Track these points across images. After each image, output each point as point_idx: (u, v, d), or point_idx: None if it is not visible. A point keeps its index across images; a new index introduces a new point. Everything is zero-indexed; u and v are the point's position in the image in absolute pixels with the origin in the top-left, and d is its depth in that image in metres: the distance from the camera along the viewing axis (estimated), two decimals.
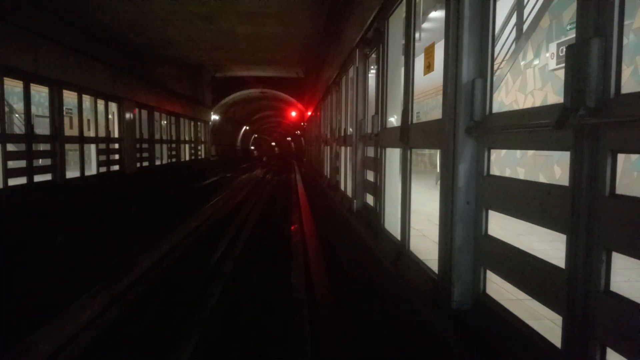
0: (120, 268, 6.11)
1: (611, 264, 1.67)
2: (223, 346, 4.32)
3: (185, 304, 5.27)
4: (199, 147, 24.05)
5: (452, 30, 2.71)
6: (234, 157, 39.77)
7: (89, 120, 12.81)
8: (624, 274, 3.47)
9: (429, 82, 10.92)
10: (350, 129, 7.39)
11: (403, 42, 4.46)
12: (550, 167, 7.36)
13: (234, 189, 17.44)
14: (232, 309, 5.25)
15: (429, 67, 3.83)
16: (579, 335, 1.76)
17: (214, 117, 27.34)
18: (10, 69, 8.57)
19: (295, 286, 5.80)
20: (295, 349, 4.12)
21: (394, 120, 5.07)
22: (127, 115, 14.22)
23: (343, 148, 8.62)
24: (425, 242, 4.52)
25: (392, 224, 4.66)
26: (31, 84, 9.27)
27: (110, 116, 13.69)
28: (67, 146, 10.70)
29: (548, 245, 4.08)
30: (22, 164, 9.00)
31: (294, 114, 31.93)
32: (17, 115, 13.48)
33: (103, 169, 12.66)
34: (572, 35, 6.41)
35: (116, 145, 13.60)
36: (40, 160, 10.88)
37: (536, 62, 7.89)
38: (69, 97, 11.47)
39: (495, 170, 7.43)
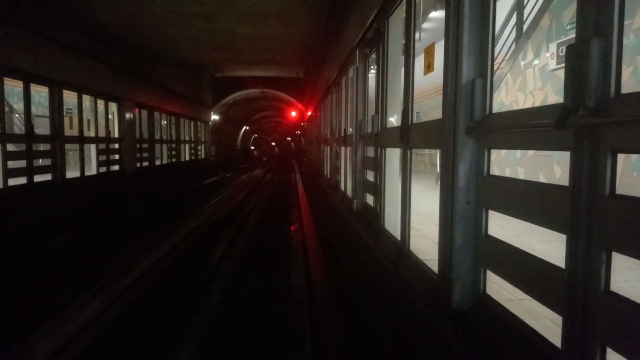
0: (120, 268, 6.10)
1: (611, 264, 1.67)
2: (223, 346, 4.32)
3: (185, 304, 5.27)
4: (199, 147, 24.05)
5: (452, 30, 2.71)
6: (234, 157, 39.77)
7: (89, 120, 12.81)
8: (624, 274, 3.47)
9: (429, 82, 10.92)
10: (350, 129, 7.39)
11: (403, 42, 4.46)
12: (550, 167, 7.36)
13: (234, 189, 17.44)
14: (232, 309, 5.25)
15: (429, 67, 3.83)
16: (579, 335, 1.76)
17: (214, 117, 27.34)
18: (10, 69, 8.57)
19: (295, 286, 5.80)
20: (295, 349, 4.12)
21: (394, 120, 5.07)
22: (127, 115, 14.22)
23: (343, 148, 8.62)
24: (425, 242, 4.52)
25: (392, 223, 4.66)
26: (31, 84, 9.27)
27: (110, 116, 13.69)
28: (67, 146, 10.70)
29: (548, 245, 4.08)
30: (22, 164, 9.00)
31: (294, 114, 31.93)
32: (17, 115, 13.48)
33: (103, 169, 12.66)
34: (572, 35, 6.41)
35: (116, 145, 13.60)
36: (40, 160, 10.88)
37: (536, 62, 7.89)
38: (69, 97, 11.47)
39: (495, 170, 7.44)
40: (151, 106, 16.42)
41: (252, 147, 59.20)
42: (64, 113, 10.67)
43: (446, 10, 2.82)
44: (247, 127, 47.14)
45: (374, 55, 5.94)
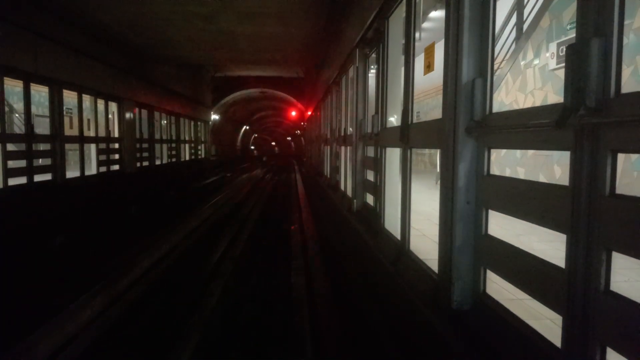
0: (120, 268, 6.11)
1: (611, 264, 1.67)
2: (223, 346, 4.32)
3: (185, 303, 5.27)
4: (199, 147, 24.06)
5: (452, 30, 2.71)
6: (234, 156, 39.77)
7: (89, 120, 12.81)
8: (624, 274, 3.47)
9: (429, 82, 10.91)
10: (350, 129, 7.39)
11: (403, 41, 4.46)
12: (550, 167, 7.36)
13: (234, 189, 17.44)
14: (232, 309, 5.25)
15: (429, 67, 3.83)
16: (579, 335, 1.76)
17: (214, 116, 27.35)
18: (10, 69, 8.57)
19: (295, 286, 5.80)
20: (295, 349, 4.12)
21: (394, 120, 5.07)
22: (127, 115, 14.23)
23: (343, 148, 8.62)
24: (425, 241, 4.52)
25: (392, 223, 4.66)
26: (31, 84, 9.27)
27: (110, 116, 13.69)
28: (67, 146, 10.70)
29: (548, 245, 4.08)
30: (22, 163, 8.99)
31: (294, 113, 31.94)
32: (17, 115, 13.47)
33: (103, 169, 12.66)
34: (572, 35, 6.41)
35: (116, 145, 13.60)
36: (40, 160, 10.88)
37: (536, 61, 7.88)
38: (69, 97, 11.47)
39: (495, 170, 7.43)
40: (151, 106, 16.42)
41: (252, 147, 59.20)
42: (64, 113, 10.67)
43: (446, 10, 2.83)
44: (247, 127, 47.14)
45: (374, 55, 5.94)
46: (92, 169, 12.19)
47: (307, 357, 3.97)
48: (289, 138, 62.67)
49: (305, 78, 21.37)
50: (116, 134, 13.72)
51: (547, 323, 2.58)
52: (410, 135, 3.82)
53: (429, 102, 13.78)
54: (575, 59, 1.73)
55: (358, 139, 6.67)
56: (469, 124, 2.60)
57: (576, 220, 1.77)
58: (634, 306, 1.55)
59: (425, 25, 8.95)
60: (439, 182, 5.25)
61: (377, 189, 5.13)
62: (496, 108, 2.60)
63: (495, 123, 2.49)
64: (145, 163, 15.91)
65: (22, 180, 8.92)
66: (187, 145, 21.67)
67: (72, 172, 11.12)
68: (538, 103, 7.66)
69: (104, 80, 12.59)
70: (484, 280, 2.62)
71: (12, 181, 8.61)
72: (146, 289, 5.79)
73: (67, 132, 10.98)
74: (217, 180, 21.86)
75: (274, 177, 25.73)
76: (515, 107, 8.21)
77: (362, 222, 5.83)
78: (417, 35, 3.96)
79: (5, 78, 8.46)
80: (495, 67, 8.06)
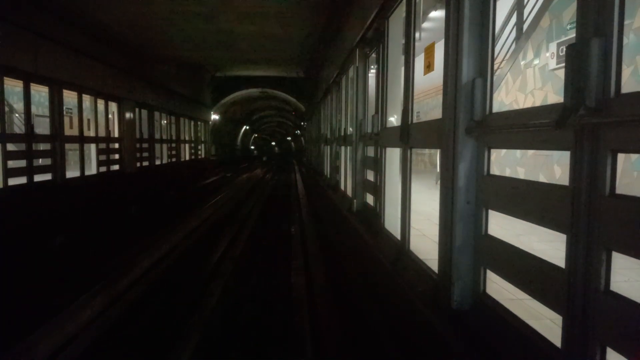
0: (120, 268, 6.10)
1: (611, 264, 1.67)
2: (223, 346, 4.32)
3: (185, 303, 5.26)
4: (199, 147, 24.06)
5: (452, 30, 2.71)
6: (233, 156, 39.77)
7: (89, 120, 12.81)
8: (624, 274, 3.47)
9: (429, 82, 10.91)
10: (350, 129, 7.39)
11: (403, 41, 4.46)
12: (550, 167, 7.36)
13: (234, 189, 17.44)
14: (232, 309, 5.25)
15: (429, 67, 3.83)
16: (579, 335, 1.76)
17: (214, 116, 27.35)
18: (10, 69, 8.57)
19: (295, 286, 5.80)
20: (295, 349, 4.12)
21: (394, 120, 5.07)
22: (127, 115, 14.23)
23: (343, 148, 8.62)
24: (425, 241, 4.52)
25: (392, 223, 4.66)
26: (31, 84, 9.28)
27: (110, 116, 13.69)
28: (67, 146, 10.70)
29: (548, 245, 4.08)
30: (22, 163, 8.99)
31: (293, 113, 31.94)
32: (17, 115, 13.48)
33: (103, 169, 12.66)
34: (572, 35, 6.41)
35: (116, 145, 13.60)
36: (40, 160, 10.89)
37: (536, 61, 7.89)
38: (69, 97, 11.47)
39: (495, 170, 7.43)
40: (151, 106, 16.42)
41: (252, 147, 59.21)
42: (64, 113, 10.67)
43: (446, 10, 2.83)
44: (247, 127, 47.15)
45: (374, 55, 5.94)
46: (92, 169, 12.19)
47: (307, 357, 3.97)
48: (289, 138, 62.68)
49: (305, 78, 21.37)
50: (116, 134, 13.72)
51: (547, 323, 2.58)
52: (410, 135, 3.82)
53: (429, 102, 13.78)
54: (575, 59, 1.73)
55: (358, 139, 6.67)
56: (469, 124, 2.60)
57: (576, 220, 1.77)
58: (634, 306, 1.55)
59: (425, 25, 8.95)
60: (439, 182, 5.25)
61: (377, 189, 5.13)
62: (496, 108, 2.60)
63: (495, 123, 2.49)
64: (145, 163, 15.92)
65: (22, 180, 8.92)
66: (187, 145, 21.67)
67: (72, 172, 11.12)
68: (538, 103, 7.66)
69: (104, 80, 12.59)
70: (484, 280, 2.62)
71: (12, 181, 8.61)
72: (146, 289, 5.79)
73: (67, 132, 10.98)
74: (217, 180, 21.86)
75: (274, 177, 25.73)
76: (515, 107, 8.21)
77: (362, 222, 5.83)
78: (417, 35, 3.96)
79: (5, 78, 8.46)
80: (495, 67, 8.06)
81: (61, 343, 4.10)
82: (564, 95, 1.77)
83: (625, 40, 5.40)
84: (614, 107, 1.62)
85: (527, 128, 2.17)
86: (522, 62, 8.22)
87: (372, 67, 6.30)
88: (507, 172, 8.48)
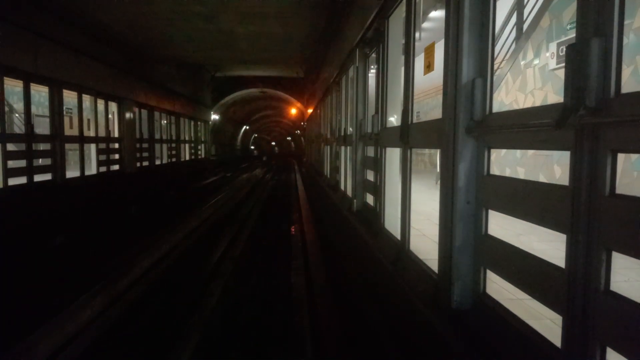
0: (120, 268, 6.10)
1: (611, 264, 1.67)
2: (223, 346, 4.32)
3: (185, 303, 5.27)
4: (199, 147, 24.06)
5: (452, 29, 2.71)
6: (233, 156, 39.78)
7: (89, 120, 12.81)
8: (624, 274, 3.47)
9: (429, 82, 10.91)
10: (350, 129, 7.39)
11: (403, 41, 4.46)
12: (550, 167, 7.36)
13: (234, 189, 17.44)
14: (232, 309, 5.25)
15: (429, 67, 3.83)
16: (579, 335, 1.76)
17: (214, 116, 27.35)
18: (10, 69, 8.58)
19: (295, 286, 5.80)
20: (295, 349, 4.12)
21: (394, 120, 5.07)
22: (127, 115, 14.23)
23: (343, 148, 8.61)
24: (425, 241, 4.52)
25: (392, 223, 4.66)
26: (31, 84, 9.28)
27: (110, 116, 13.69)
28: (67, 146, 10.70)
29: (548, 245, 4.08)
30: (22, 163, 9.00)
31: (294, 111, 31.95)
32: (17, 115, 13.48)
33: (103, 169, 12.66)
34: (572, 34, 6.41)
35: (116, 145, 13.60)
36: (40, 160, 10.89)
37: (536, 61, 7.88)
38: (69, 97, 11.47)
39: (495, 170, 7.43)
40: (151, 106, 16.42)
41: (252, 147, 59.22)
42: (64, 113, 10.67)
43: (446, 10, 2.82)
44: (247, 127, 47.15)
45: (374, 55, 5.93)
46: (92, 169, 12.20)
47: (307, 357, 3.98)
48: (289, 138, 62.69)
49: (305, 78, 21.37)
50: (116, 134, 13.72)
51: (547, 323, 2.58)
52: (410, 135, 3.82)
53: (429, 102, 13.78)
54: (575, 59, 1.73)
55: (358, 139, 6.67)
56: (469, 124, 2.60)
57: (576, 220, 1.77)
58: (634, 306, 1.55)
59: (425, 25, 8.95)
60: (439, 182, 5.25)
61: (377, 189, 5.13)
62: (496, 108, 2.60)
63: (495, 123, 2.49)
64: (145, 163, 15.92)
65: (22, 180, 8.92)
66: (187, 145, 21.67)
67: (72, 172, 11.12)
68: (538, 103, 7.66)
69: (104, 80, 12.59)
70: (484, 280, 2.61)
71: (12, 181, 8.61)
72: (146, 289, 5.79)
73: (67, 132, 10.98)
74: (217, 180, 21.86)
75: (274, 177, 25.73)
76: (515, 107, 8.21)
77: (362, 222, 5.83)
78: (417, 35, 3.96)
79: (5, 78, 8.46)
80: (495, 67, 8.06)
81: (61, 343, 4.10)
82: (564, 95, 1.77)
83: (625, 40, 5.40)
84: (614, 107, 1.62)
85: (527, 128, 2.17)
86: (522, 62, 8.22)
87: (372, 67, 6.30)
88: (507, 172, 8.48)
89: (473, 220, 2.63)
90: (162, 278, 6.33)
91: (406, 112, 3.89)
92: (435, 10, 8.80)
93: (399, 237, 4.05)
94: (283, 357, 4.13)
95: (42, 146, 10.42)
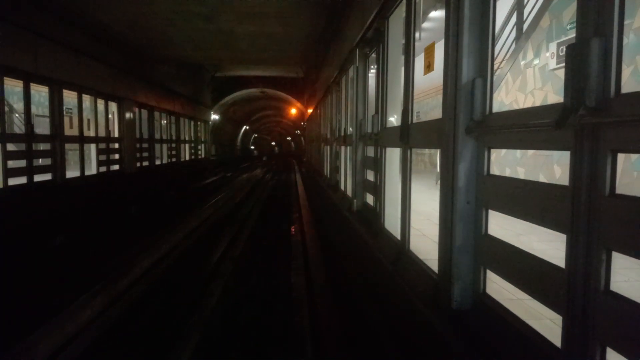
0: (120, 268, 6.10)
1: (611, 264, 1.67)
2: (223, 346, 4.32)
3: (185, 303, 5.27)
4: (199, 147, 24.06)
5: (452, 29, 2.71)
6: (233, 156, 39.79)
7: (89, 120, 12.82)
8: (624, 274, 3.47)
9: (429, 82, 10.91)
10: (350, 129, 7.39)
11: (403, 41, 4.46)
12: (550, 167, 7.36)
13: (234, 189, 17.44)
14: (232, 309, 5.25)
15: (429, 67, 3.83)
16: (579, 335, 1.76)
17: (214, 116, 27.36)
18: (10, 69, 8.58)
19: (295, 286, 5.80)
20: (295, 349, 4.12)
21: (394, 120, 5.07)
22: (127, 115, 14.23)
23: (343, 148, 8.61)
24: (425, 241, 4.52)
25: (392, 223, 4.66)
26: (31, 84, 9.28)
27: (110, 116, 13.70)
28: (67, 146, 10.70)
29: (548, 245, 4.08)
30: (22, 163, 9.00)
31: (293, 111, 31.95)
32: (17, 115, 13.48)
33: (103, 169, 12.66)
34: (572, 34, 6.41)
35: (116, 145, 13.60)
36: (40, 159, 10.89)
37: (536, 61, 7.88)
38: (69, 97, 11.48)
39: (495, 170, 7.43)
40: (151, 106, 16.42)
41: (252, 147, 59.24)
42: (64, 113, 10.67)
43: (446, 10, 2.82)
44: (247, 127, 47.16)
45: (374, 55, 5.94)
46: (92, 169, 12.20)
47: (307, 357, 3.98)
48: (289, 138, 62.71)
49: (305, 78, 21.37)
50: (116, 134, 13.72)
51: (547, 323, 2.58)
52: (410, 135, 3.82)
53: (429, 102, 13.78)
54: (575, 59, 1.73)
55: (358, 139, 6.67)
56: (469, 124, 2.60)
57: (576, 220, 1.77)
58: (634, 306, 1.55)
59: (425, 25, 8.95)
60: (439, 182, 5.25)
61: (377, 189, 5.13)
62: (496, 108, 2.60)
63: (495, 123, 2.49)
64: (145, 163, 15.92)
65: (22, 180, 8.92)
66: (187, 145, 21.67)
67: (72, 172, 11.13)
68: (538, 103, 7.66)
69: (104, 80, 12.59)
70: (484, 280, 2.61)
71: (12, 181, 8.61)
72: (146, 289, 5.79)
73: (67, 132, 10.98)
74: (217, 180, 21.86)
75: (274, 177, 25.73)
76: (515, 107, 8.21)
77: (362, 222, 5.83)
78: (417, 35, 3.96)
79: (5, 78, 8.46)
80: (495, 67, 8.06)
81: (61, 343, 4.10)
82: (564, 95, 1.77)
83: (625, 40, 5.40)
84: (614, 107, 1.62)
85: (527, 128, 2.17)
86: (522, 62, 8.22)
87: (372, 67, 6.30)
88: (507, 172, 8.48)
89: (473, 220, 2.64)
90: (162, 278, 6.33)
91: (406, 112, 3.89)
92: (435, 10, 8.80)
93: (399, 237, 4.05)
94: (283, 357, 4.13)
95: (42, 146, 10.42)
